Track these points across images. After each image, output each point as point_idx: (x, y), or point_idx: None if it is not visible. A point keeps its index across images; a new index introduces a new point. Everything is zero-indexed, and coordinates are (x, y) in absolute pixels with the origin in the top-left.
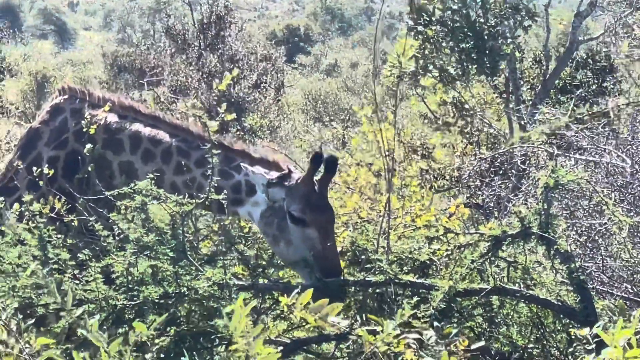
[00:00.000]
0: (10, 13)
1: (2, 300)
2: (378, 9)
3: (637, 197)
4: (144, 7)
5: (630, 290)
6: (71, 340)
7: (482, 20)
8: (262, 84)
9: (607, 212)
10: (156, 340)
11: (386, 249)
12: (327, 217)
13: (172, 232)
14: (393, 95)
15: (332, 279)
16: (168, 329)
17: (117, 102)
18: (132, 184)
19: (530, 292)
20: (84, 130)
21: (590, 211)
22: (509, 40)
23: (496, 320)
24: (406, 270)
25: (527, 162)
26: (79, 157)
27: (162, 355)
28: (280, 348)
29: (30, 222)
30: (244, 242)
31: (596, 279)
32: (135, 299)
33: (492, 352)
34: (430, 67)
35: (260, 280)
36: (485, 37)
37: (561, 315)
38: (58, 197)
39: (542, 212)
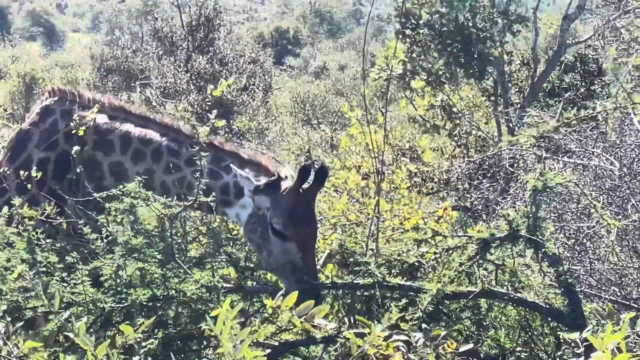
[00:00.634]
0: None
1: None
2: (367, 11)
3: (625, 200)
4: (132, 9)
5: (618, 294)
6: (59, 342)
7: (470, 24)
8: (250, 86)
9: (595, 215)
10: (144, 343)
11: (375, 251)
12: (308, 232)
13: (160, 235)
14: (382, 98)
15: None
16: (156, 331)
17: (107, 103)
18: (121, 186)
19: (518, 295)
20: (74, 131)
21: (578, 214)
22: (497, 44)
23: (484, 323)
24: (394, 273)
25: (516, 164)
26: (70, 159)
27: (149, 358)
28: (268, 351)
29: (19, 226)
30: (232, 244)
31: (584, 282)
32: (123, 301)
33: (480, 355)
34: (419, 70)
35: (249, 283)
36: (474, 40)
37: (549, 318)
38: (48, 200)
39: (531, 215)
